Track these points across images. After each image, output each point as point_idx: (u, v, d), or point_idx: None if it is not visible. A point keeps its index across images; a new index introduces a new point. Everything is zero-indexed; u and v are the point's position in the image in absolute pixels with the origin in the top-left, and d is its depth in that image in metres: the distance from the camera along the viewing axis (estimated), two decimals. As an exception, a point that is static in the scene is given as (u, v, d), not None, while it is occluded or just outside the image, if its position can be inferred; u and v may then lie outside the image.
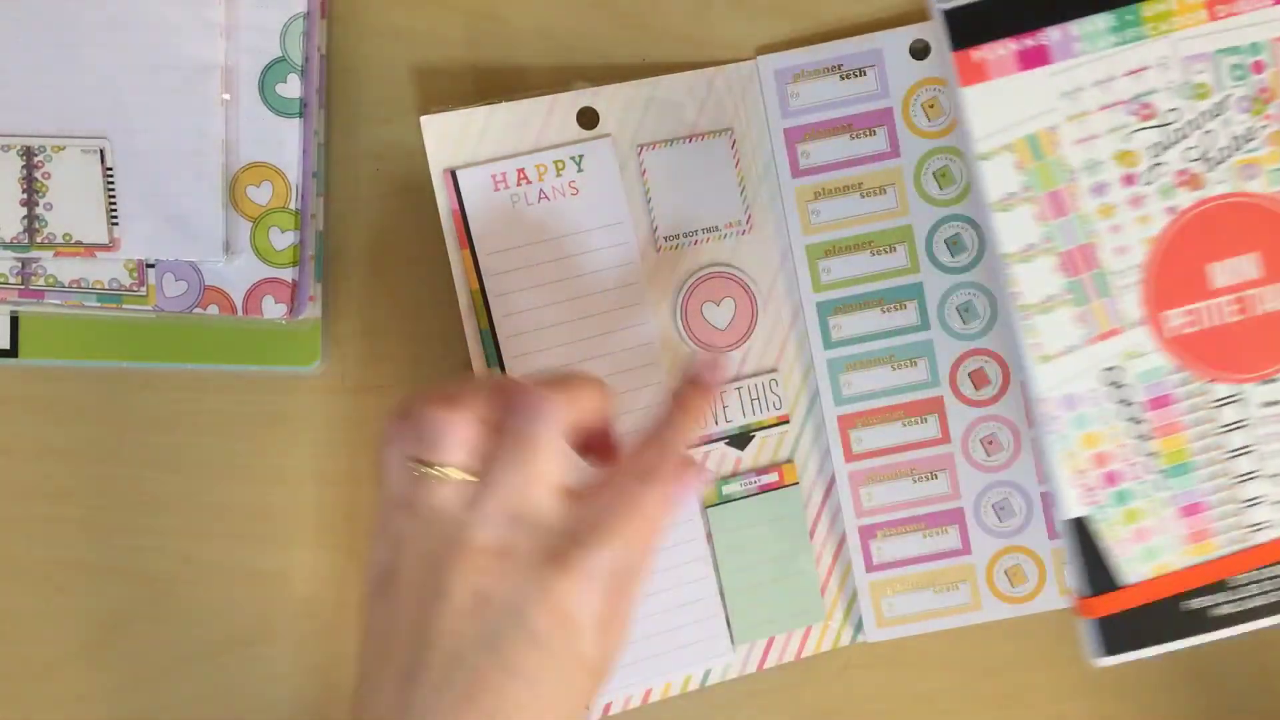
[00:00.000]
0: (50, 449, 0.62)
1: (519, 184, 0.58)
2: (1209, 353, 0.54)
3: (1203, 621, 0.55)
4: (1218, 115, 0.54)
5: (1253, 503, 0.55)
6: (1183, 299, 0.54)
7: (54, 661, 0.62)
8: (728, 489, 0.60)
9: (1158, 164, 0.54)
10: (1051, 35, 0.53)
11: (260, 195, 0.59)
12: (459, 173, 0.58)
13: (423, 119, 0.58)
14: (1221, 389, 0.55)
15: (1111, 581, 0.54)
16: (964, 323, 0.60)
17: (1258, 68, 0.54)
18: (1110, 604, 0.54)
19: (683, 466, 0.50)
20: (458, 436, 0.48)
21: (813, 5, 0.60)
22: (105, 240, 0.58)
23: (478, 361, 0.59)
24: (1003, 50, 0.53)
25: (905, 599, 0.61)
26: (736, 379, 0.60)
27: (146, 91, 0.58)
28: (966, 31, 0.53)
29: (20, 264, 0.59)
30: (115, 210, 0.58)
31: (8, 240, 0.58)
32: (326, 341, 0.61)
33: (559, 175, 0.59)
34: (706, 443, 0.60)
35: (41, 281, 0.59)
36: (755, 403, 0.60)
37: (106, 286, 0.59)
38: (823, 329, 0.60)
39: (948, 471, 0.61)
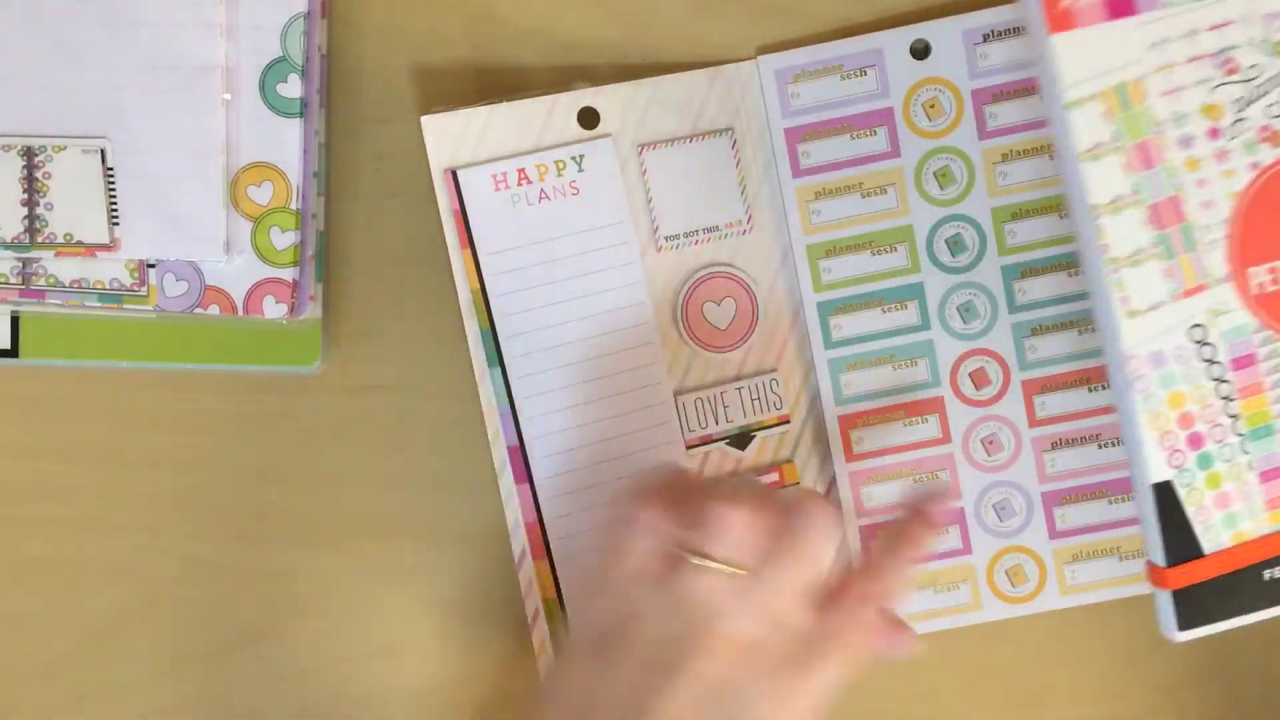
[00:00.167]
0: (50, 449, 0.62)
1: (520, 184, 0.58)
2: None
3: None
4: None
5: None
6: (1266, 256, 0.53)
7: (54, 661, 0.62)
8: (728, 489, 0.60)
9: (1241, 119, 0.53)
10: None
11: (261, 195, 0.59)
12: (460, 173, 0.58)
13: (423, 119, 0.58)
14: None
15: (1192, 550, 0.53)
16: (964, 323, 0.60)
17: None
18: (1189, 574, 0.53)
19: (896, 628, 0.54)
20: (736, 536, 0.50)
21: (813, 5, 0.60)
22: (106, 240, 0.58)
23: (478, 362, 0.59)
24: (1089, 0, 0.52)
25: (906, 599, 0.61)
26: (737, 379, 0.60)
27: (147, 91, 0.58)
28: None
29: (21, 264, 0.59)
30: (116, 210, 0.58)
31: (8, 240, 0.58)
32: (326, 341, 0.61)
33: (560, 175, 0.59)
34: (707, 443, 0.60)
35: (42, 281, 0.59)
36: (755, 403, 0.60)
37: (107, 286, 0.59)
38: (823, 329, 0.60)
39: (948, 471, 0.61)
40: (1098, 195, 0.53)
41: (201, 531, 0.62)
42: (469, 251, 0.58)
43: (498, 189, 0.58)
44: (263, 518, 0.62)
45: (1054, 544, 0.61)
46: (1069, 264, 0.59)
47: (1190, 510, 0.53)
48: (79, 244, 0.58)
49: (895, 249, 0.60)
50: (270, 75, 0.58)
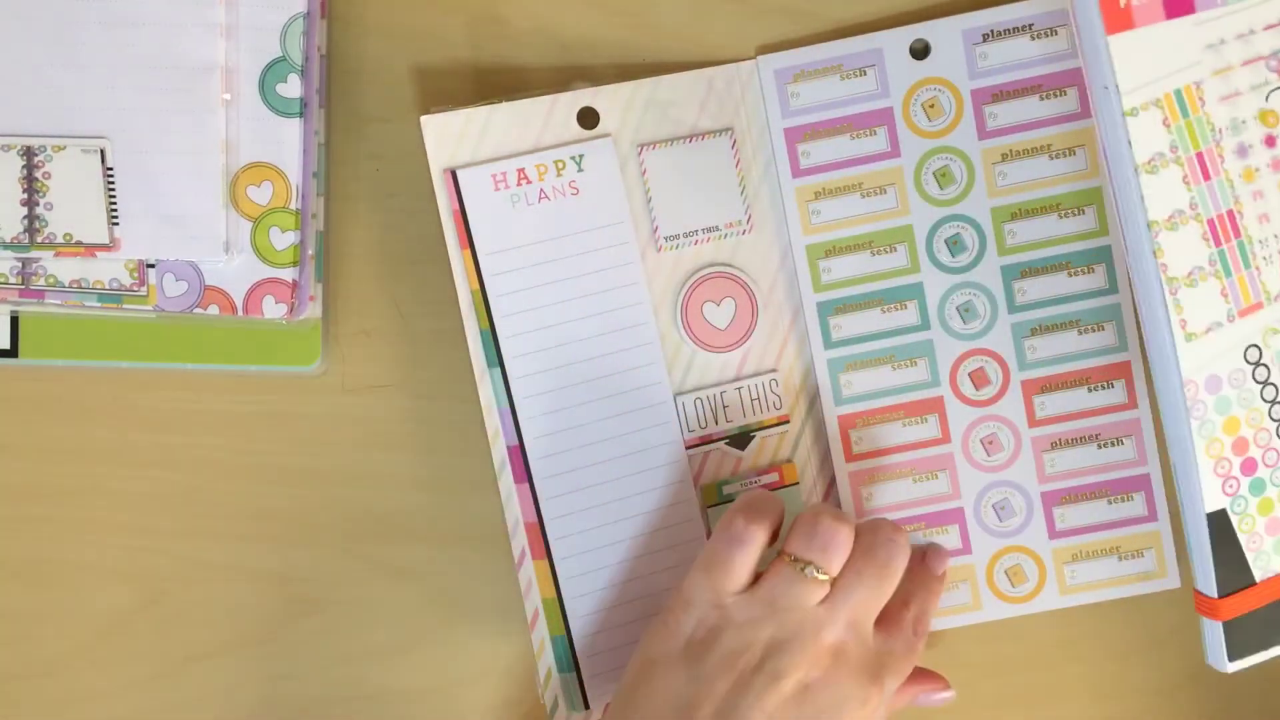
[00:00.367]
0: (50, 449, 0.62)
1: (519, 184, 0.58)
2: None
3: None
4: None
5: None
6: None
7: (54, 661, 0.62)
8: (728, 489, 0.60)
9: None
10: None
11: (260, 195, 0.59)
12: (459, 173, 0.58)
13: (423, 119, 0.58)
14: None
15: (1244, 579, 0.51)
16: (964, 323, 0.60)
17: None
18: (1240, 604, 0.52)
19: (938, 679, 0.60)
20: (841, 551, 0.55)
21: (813, 5, 0.60)
22: (105, 240, 0.58)
23: (478, 362, 0.59)
24: None
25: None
26: (737, 379, 0.60)
27: (147, 91, 0.58)
28: None
29: (20, 264, 0.59)
30: (115, 210, 0.58)
31: (8, 240, 0.58)
32: (326, 341, 0.61)
33: (559, 175, 0.59)
34: (707, 443, 0.60)
35: (42, 281, 0.59)
36: (755, 403, 0.60)
37: (107, 286, 0.59)
38: (823, 329, 0.60)
39: (948, 471, 0.61)
40: (1156, 211, 0.50)
41: (201, 531, 0.62)
42: (469, 251, 0.58)
43: (497, 189, 0.58)
44: (263, 518, 0.62)
45: (1053, 544, 0.61)
46: (1068, 264, 0.59)
47: (1243, 538, 0.52)
48: (79, 244, 0.58)
49: (895, 249, 0.60)
50: (270, 75, 0.58)
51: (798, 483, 0.60)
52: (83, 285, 0.59)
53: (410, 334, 0.61)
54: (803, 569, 0.54)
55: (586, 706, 0.60)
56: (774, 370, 0.60)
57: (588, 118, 0.59)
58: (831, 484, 0.61)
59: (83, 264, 0.59)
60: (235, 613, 0.62)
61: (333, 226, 0.61)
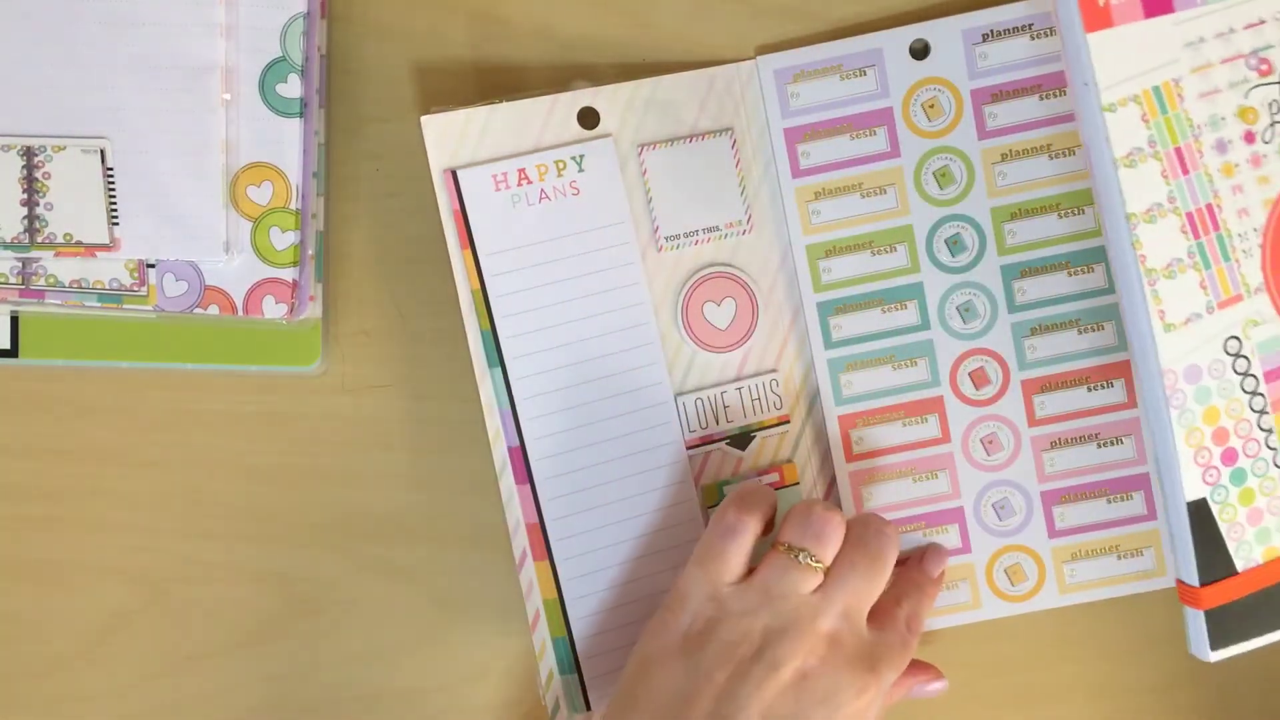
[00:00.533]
0: (50, 449, 0.62)
1: (520, 184, 0.58)
2: None
3: None
4: None
5: None
6: None
7: (54, 661, 0.62)
8: (729, 489, 0.60)
9: (1276, 122, 0.51)
10: None
11: (260, 195, 0.59)
12: (460, 173, 0.58)
13: (423, 119, 0.58)
14: None
15: (1225, 569, 0.52)
16: (964, 322, 0.60)
17: None
18: (1222, 593, 0.52)
19: (931, 670, 0.60)
20: (834, 541, 0.56)
21: (812, 5, 0.60)
22: (105, 240, 0.58)
23: (478, 362, 0.59)
24: None
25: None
26: (737, 379, 0.60)
27: (146, 91, 0.58)
28: None
29: (21, 264, 0.59)
30: (115, 210, 0.58)
31: (8, 240, 0.58)
32: (326, 341, 0.61)
33: (560, 175, 0.59)
34: (707, 443, 0.60)
35: (42, 281, 0.59)
36: (755, 403, 0.60)
37: (107, 286, 0.59)
38: (823, 329, 0.60)
39: (948, 471, 0.61)
40: (1134, 203, 0.51)
41: (201, 531, 0.62)
42: (469, 252, 0.58)
43: (498, 189, 0.58)
44: (263, 518, 0.62)
45: (1053, 543, 0.61)
46: (1068, 264, 0.60)
47: (1224, 527, 0.53)
48: (79, 244, 0.58)
49: (895, 249, 0.60)
50: (270, 75, 0.58)
51: (798, 483, 0.61)
52: (83, 285, 0.59)
53: (410, 334, 0.61)
54: (796, 556, 0.55)
55: (588, 708, 0.60)
56: (774, 370, 0.60)
57: (588, 118, 0.59)
58: (832, 484, 0.61)
59: (83, 264, 0.59)
60: (235, 613, 0.62)
61: (333, 226, 0.61)
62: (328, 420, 0.61)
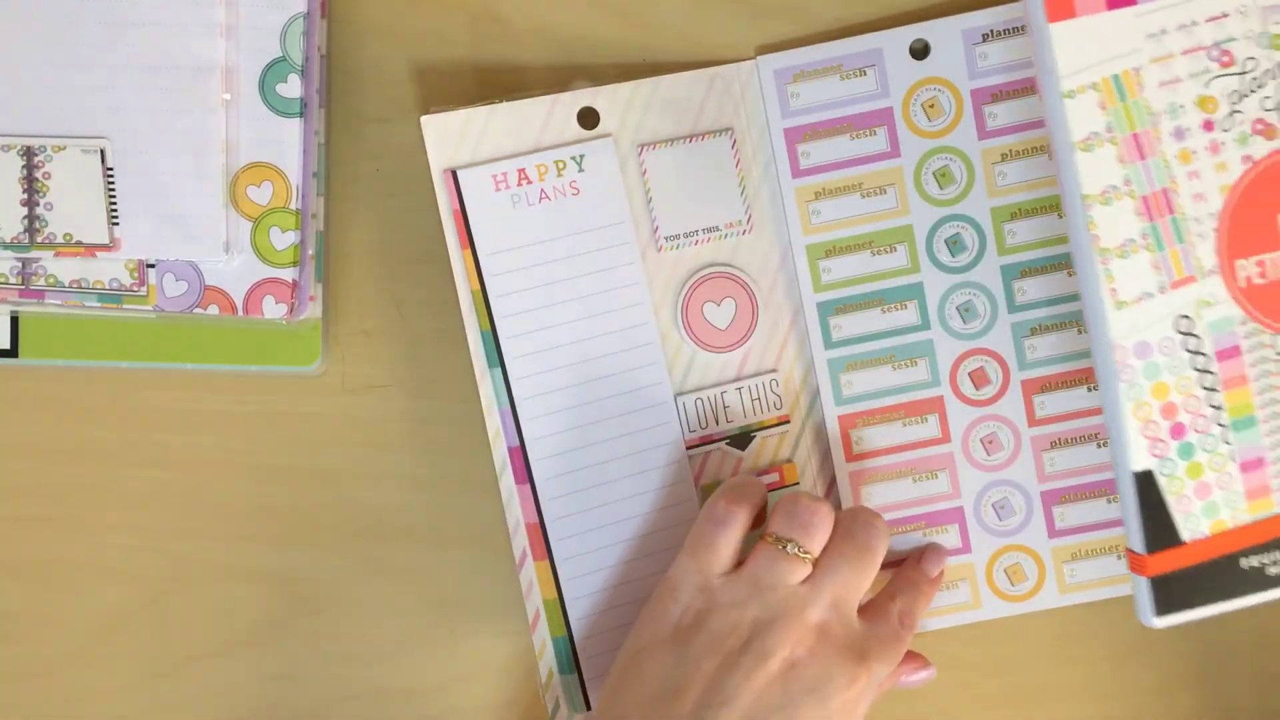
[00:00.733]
0: (50, 449, 0.62)
1: (520, 184, 0.58)
2: (1277, 304, 0.54)
3: (1259, 580, 0.54)
4: None
5: None
6: (1255, 249, 0.54)
7: (54, 661, 0.62)
8: (728, 489, 0.60)
9: (1235, 111, 0.53)
10: None
11: (260, 195, 0.59)
12: (460, 173, 0.58)
13: (423, 119, 0.58)
14: None
15: (1170, 539, 0.54)
16: (964, 322, 0.60)
17: None
18: (1167, 562, 0.54)
19: (918, 659, 0.60)
20: (822, 531, 0.56)
21: (812, 5, 0.60)
22: (105, 240, 0.58)
23: (478, 362, 0.59)
24: None
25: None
26: (737, 379, 0.60)
27: (146, 91, 0.58)
28: None
29: (20, 264, 0.59)
30: (115, 210, 0.58)
31: (8, 240, 0.58)
32: (326, 341, 0.61)
33: (560, 175, 0.59)
34: (707, 443, 0.60)
35: (42, 281, 0.59)
36: (755, 403, 0.60)
37: (107, 286, 0.59)
38: (823, 329, 0.60)
39: (948, 471, 0.61)
40: (1090, 185, 0.53)
41: (201, 531, 0.62)
42: (469, 252, 0.58)
43: (498, 189, 0.58)
44: (263, 518, 0.62)
45: (1053, 543, 0.61)
46: (1068, 264, 0.60)
47: (1170, 499, 0.54)
48: (79, 244, 0.58)
49: (895, 249, 0.60)
50: (270, 75, 0.58)
51: (798, 483, 0.61)
52: (83, 285, 0.59)
53: (410, 334, 0.61)
54: (784, 547, 0.55)
55: (588, 708, 0.60)
56: (774, 370, 0.61)
57: (588, 118, 0.59)
58: (832, 484, 0.61)
59: (83, 264, 0.59)
60: (235, 613, 0.62)
61: (333, 226, 0.61)
62: (328, 420, 0.61)
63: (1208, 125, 0.53)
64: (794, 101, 0.60)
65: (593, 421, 0.59)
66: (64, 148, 0.58)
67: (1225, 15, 0.53)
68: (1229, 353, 0.54)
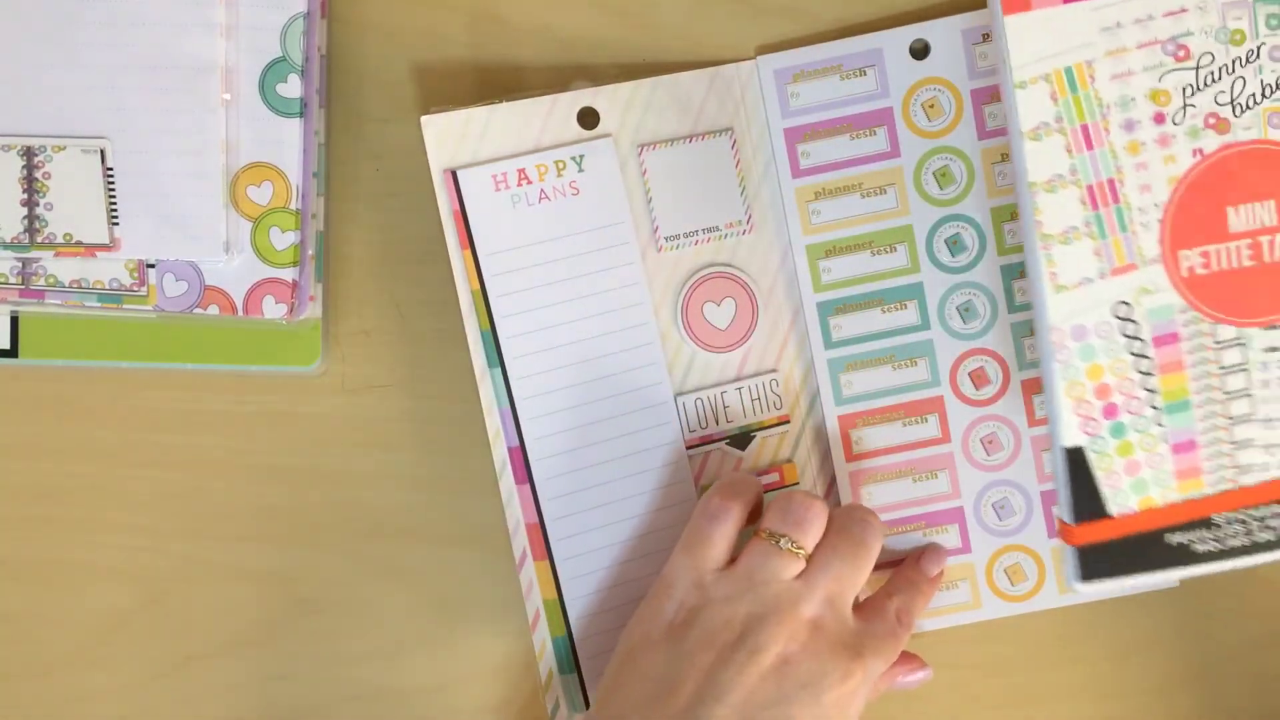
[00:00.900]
0: (50, 449, 0.62)
1: (520, 184, 0.58)
2: (1219, 295, 0.55)
3: (1184, 555, 0.56)
4: (1250, 62, 0.54)
5: (1243, 445, 0.56)
6: (1200, 240, 0.55)
7: (54, 661, 0.62)
8: (728, 489, 0.60)
9: (1188, 105, 0.54)
10: None
11: (260, 195, 0.59)
12: (460, 173, 0.58)
13: (423, 119, 0.58)
14: (1227, 331, 0.55)
15: (1098, 511, 0.55)
16: (964, 322, 0.60)
17: None
18: (1094, 532, 0.55)
19: (914, 660, 0.60)
20: (816, 526, 0.56)
21: (812, 5, 0.60)
22: (105, 240, 0.58)
23: (478, 362, 0.59)
24: None
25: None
26: (737, 379, 0.60)
27: (146, 91, 0.58)
28: None
29: (20, 264, 0.59)
30: (115, 210, 0.58)
31: (8, 240, 0.58)
32: (326, 341, 0.61)
33: (560, 175, 0.59)
34: (707, 443, 0.60)
35: (42, 281, 0.59)
36: (755, 403, 0.60)
37: (107, 286, 0.59)
38: (823, 329, 0.60)
39: (948, 471, 0.61)
40: (1036, 173, 0.55)
41: (201, 531, 0.62)
42: (469, 252, 0.58)
43: (498, 189, 0.58)
44: (263, 518, 0.62)
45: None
46: (1068, 264, 0.60)
47: (1099, 475, 0.55)
48: (79, 244, 0.58)
49: (895, 249, 0.60)
50: (270, 75, 0.58)
51: (798, 483, 0.61)
52: (83, 285, 0.59)
53: (410, 334, 0.61)
54: (777, 542, 0.55)
55: (588, 707, 0.60)
56: (774, 370, 0.61)
57: (588, 118, 0.59)
58: (832, 484, 0.61)
59: (83, 264, 0.59)
60: (235, 613, 0.62)
61: (333, 226, 0.61)
62: (328, 420, 0.62)
63: (1159, 118, 0.54)
64: (794, 101, 0.60)
65: (593, 421, 0.59)
66: (64, 148, 0.58)
67: (1184, 10, 0.54)
68: (1167, 339, 0.55)
